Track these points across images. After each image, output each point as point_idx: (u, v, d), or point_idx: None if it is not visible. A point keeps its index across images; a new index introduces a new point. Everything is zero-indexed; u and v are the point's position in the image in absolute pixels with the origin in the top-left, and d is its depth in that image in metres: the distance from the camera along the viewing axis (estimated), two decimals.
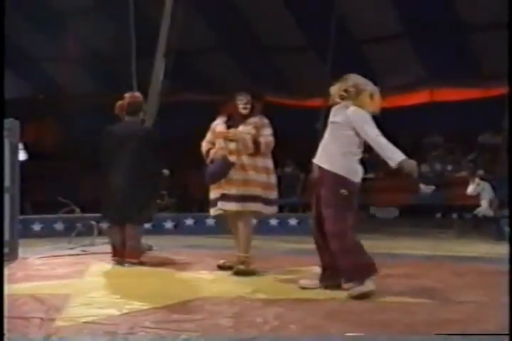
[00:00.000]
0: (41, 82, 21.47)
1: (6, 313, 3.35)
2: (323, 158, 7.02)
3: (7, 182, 9.49)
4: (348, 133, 6.90)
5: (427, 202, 18.39)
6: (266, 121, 8.50)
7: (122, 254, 9.13)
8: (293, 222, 15.08)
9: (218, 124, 8.45)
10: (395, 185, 18.33)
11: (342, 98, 7.03)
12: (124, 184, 9.16)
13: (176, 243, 12.24)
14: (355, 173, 6.94)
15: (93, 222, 12.76)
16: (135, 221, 9.31)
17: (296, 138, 18.10)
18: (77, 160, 18.69)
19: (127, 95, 10.14)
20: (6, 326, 3.22)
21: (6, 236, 9.54)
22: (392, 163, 6.68)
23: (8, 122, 9.71)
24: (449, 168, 19.53)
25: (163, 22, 15.10)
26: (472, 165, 18.16)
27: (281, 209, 16.70)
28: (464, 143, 19.47)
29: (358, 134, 6.86)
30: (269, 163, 8.42)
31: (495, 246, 11.79)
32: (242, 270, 8.06)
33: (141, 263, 9.14)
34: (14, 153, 9.86)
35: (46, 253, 10.70)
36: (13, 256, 9.68)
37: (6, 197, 9.43)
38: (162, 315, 5.90)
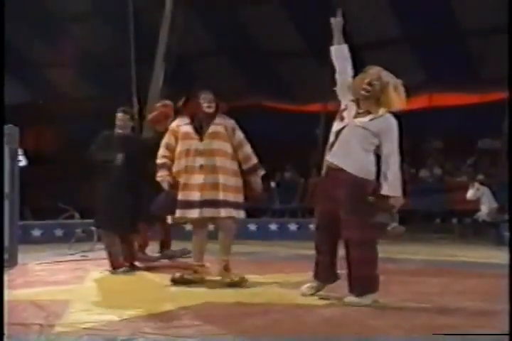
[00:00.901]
0: (41, 87, 21.49)
1: (6, 318, 3.26)
2: (348, 161, 6.56)
3: (6, 188, 9.49)
4: (376, 141, 6.67)
5: (426, 208, 18.39)
6: (233, 121, 8.07)
7: (122, 264, 9.14)
8: (293, 227, 15.06)
9: (181, 126, 7.95)
10: None
11: (367, 91, 6.60)
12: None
13: (175, 247, 12.23)
14: (373, 174, 6.71)
15: (93, 228, 12.74)
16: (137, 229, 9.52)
17: (296, 143, 18.13)
18: (77, 166, 18.66)
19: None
20: (6, 332, 3.13)
21: (6, 242, 9.54)
22: (390, 192, 6.60)
23: (8, 128, 9.72)
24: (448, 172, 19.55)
25: (163, 27, 15.14)
26: (472, 169, 18.16)
27: (281, 214, 16.79)
28: (464, 148, 19.48)
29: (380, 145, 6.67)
30: (236, 164, 8.00)
31: (495, 252, 11.80)
32: (236, 280, 7.64)
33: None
34: (14, 159, 9.87)
35: (46, 259, 10.70)
36: (13, 262, 9.68)
37: (6, 203, 9.44)
38: (162, 321, 5.89)
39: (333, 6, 17.38)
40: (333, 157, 6.63)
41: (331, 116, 6.85)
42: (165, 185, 7.82)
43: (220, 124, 7.87)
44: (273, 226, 15.08)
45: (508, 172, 11.22)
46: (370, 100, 6.67)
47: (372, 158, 6.68)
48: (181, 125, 7.93)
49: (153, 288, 7.91)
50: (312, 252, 6.82)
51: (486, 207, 15.47)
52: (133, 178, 9.14)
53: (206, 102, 7.78)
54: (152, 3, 15.40)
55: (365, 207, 6.46)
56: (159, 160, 8.00)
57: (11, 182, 9.71)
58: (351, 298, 6.40)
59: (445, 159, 20.10)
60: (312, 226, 13.12)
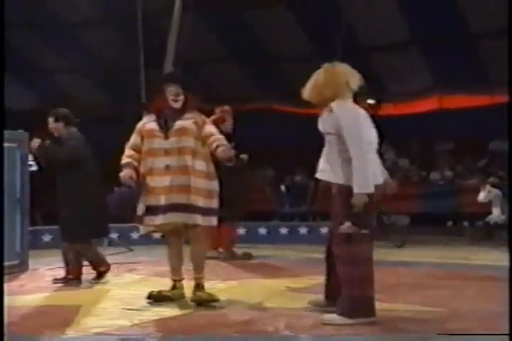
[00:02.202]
0: (51, 93, 21.54)
1: (5, 318, 3.19)
2: (324, 170, 6.02)
3: (18, 194, 9.51)
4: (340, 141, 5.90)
5: (438, 210, 18.36)
6: (204, 117, 7.14)
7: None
8: (303, 230, 15.03)
9: (146, 123, 7.04)
10: (405, 192, 18.32)
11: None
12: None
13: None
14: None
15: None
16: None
17: (306, 146, 18.08)
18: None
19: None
20: (6, 331, 3.06)
21: (17, 247, 9.56)
22: (356, 189, 5.67)
23: (18, 134, 9.75)
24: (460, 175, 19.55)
25: (171, 32, 15.16)
26: (483, 172, 18.12)
27: (291, 218, 16.79)
28: (475, 150, 19.44)
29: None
30: (211, 167, 7.00)
31: (507, 254, 11.78)
32: (205, 298, 6.80)
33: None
34: (24, 164, 9.89)
35: (56, 264, 10.70)
36: (24, 267, 9.69)
37: (17, 208, 9.46)
38: (172, 325, 5.91)
39: (343, 9, 17.54)
40: (318, 172, 6.12)
41: None
42: (128, 181, 6.85)
43: (189, 119, 6.90)
44: (283, 230, 15.05)
45: (508, 170, 11.14)
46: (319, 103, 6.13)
47: (342, 158, 5.85)
48: (147, 122, 7.06)
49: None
50: (322, 256, 6.66)
51: (498, 209, 15.45)
52: None
53: (172, 96, 6.86)
54: (161, 9, 15.42)
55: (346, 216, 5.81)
56: (122, 161, 7.04)
57: (21, 187, 9.73)
58: (330, 315, 5.84)
59: (456, 161, 20.06)
60: (323, 230, 13.16)
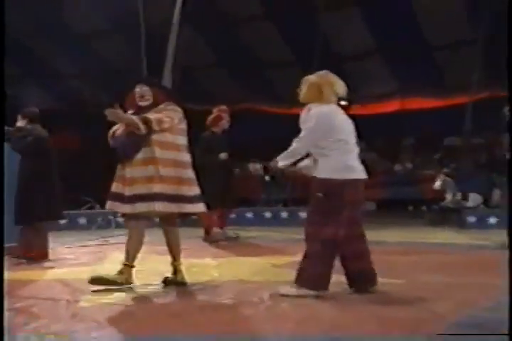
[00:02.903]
0: (65, 95, 21.50)
1: (5, 318, 3.12)
2: (303, 163, 6.11)
3: None
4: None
5: (400, 196, 18.46)
6: (171, 107, 6.35)
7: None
8: (284, 215, 15.04)
9: None
10: (373, 182, 18.40)
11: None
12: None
13: (183, 234, 12.21)
14: (335, 171, 5.75)
15: (111, 217, 12.76)
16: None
17: (287, 141, 18.11)
18: (99, 164, 18.66)
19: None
20: (6, 332, 2.94)
21: None
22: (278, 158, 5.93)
23: None
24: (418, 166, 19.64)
25: (170, 42, 15.15)
26: (438, 164, 18.20)
27: (274, 203, 16.80)
28: (431, 145, 19.52)
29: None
30: (185, 155, 6.37)
31: (458, 234, 11.82)
32: (175, 280, 6.47)
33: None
34: None
35: (72, 244, 10.72)
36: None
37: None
38: (172, 297, 5.94)
39: (317, 21, 17.54)
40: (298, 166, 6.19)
41: None
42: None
43: (150, 113, 6.23)
44: (267, 214, 15.07)
45: (508, 172, 11.01)
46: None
47: (319, 154, 5.84)
48: None
49: (165, 268, 7.87)
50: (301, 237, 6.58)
51: (451, 195, 15.52)
52: None
53: (138, 96, 6.34)
54: (161, 21, 15.38)
55: (313, 203, 5.83)
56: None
57: None
58: (286, 288, 5.86)
59: (415, 155, 20.15)
60: (301, 214, 13.18)
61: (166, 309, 5.40)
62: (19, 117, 8.71)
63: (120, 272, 6.22)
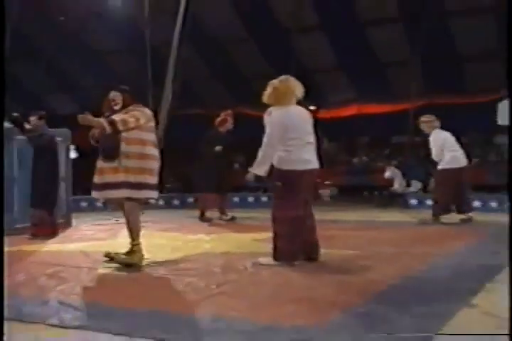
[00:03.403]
0: (86, 102, 21.41)
1: (5, 313, 3.26)
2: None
3: (63, 173, 9.49)
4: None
5: (357, 184, 18.54)
6: (139, 108, 6.16)
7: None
8: (264, 199, 15.03)
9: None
10: (336, 171, 18.53)
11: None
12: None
13: (182, 215, 12.21)
14: (288, 163, 5.75)
15: None
16: None
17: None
18: None
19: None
20: (6, 331, 3.02)
21: (64, 210, 9.59)
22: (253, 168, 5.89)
23: (63, 131, 9.79)
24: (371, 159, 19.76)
25: (171, 58, 15.11)
26: (387, 158, 18.29)
27: (256, 190, 16.80)
28: (382, 142, 19.60)
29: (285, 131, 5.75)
30: (149, 149, 6.05)
31: (402, 214, 11.89)
32: (123, 260, 5.99)
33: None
34: (67, 152, 9.91)
35: (90, 222, 10.71)
36: (68, 224, 9.72)
37: (62, 185, 9.45)
38: (172, 265, 5.94)
39: (291, 41, 17.58)
40: None
41: None
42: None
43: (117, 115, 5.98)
44: (250, 199, 15.08)
45: (508, 170, 10.94)
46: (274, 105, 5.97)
47: (282, 148, 5.76)
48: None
49: (167, 242, 7.89)
50: None
51: (397, 183, 15.59)
52: None
53: (112, 101, 6.16)
54: (163, 41, 15.33)
55: (273, 191, 5.94)
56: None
57: (66, 169, 9.74)
58: (263, 258, 5.89)
59: (369, 150, 20.21)
60: None
61: (168, 272, 5.44)
62: (34, 118, 8.55)
63: (132, 251, 6.05)
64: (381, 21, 16.60)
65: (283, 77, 5.98)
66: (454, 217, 9.65)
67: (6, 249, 7.15)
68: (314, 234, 5.96)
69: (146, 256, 6.27)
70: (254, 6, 16.94)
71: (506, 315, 3.88)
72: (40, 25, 17.50)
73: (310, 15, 17.18)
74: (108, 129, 5.82)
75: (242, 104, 18.46)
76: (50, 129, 8.75)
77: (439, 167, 9.70)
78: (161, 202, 13.58)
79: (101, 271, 5.69)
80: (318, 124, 6.33)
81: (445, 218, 9.69)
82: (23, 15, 16.27)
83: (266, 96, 5.94)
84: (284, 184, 5.70)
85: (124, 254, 6.08)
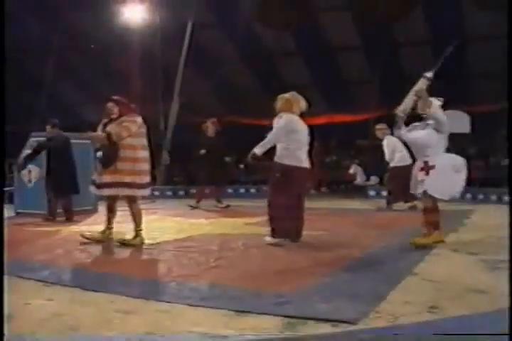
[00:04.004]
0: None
1: (5, 318, 3.01)
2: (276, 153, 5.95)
3: (91, 170, 9.41)
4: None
5: (329, 178, 18.53)
6: (130, 118, 5.92)
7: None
8: (253, 190, 14.92)
9: (102, 124, 6.09)
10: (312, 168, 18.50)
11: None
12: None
13: (186, 203, 12.21)
14: (288, 158, 5.79)
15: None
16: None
17: (255, 143, 18.05)
18: None
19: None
20: (6, 332, 2.82)
21: (92, 197, 9.42)
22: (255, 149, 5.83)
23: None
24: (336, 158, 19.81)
25: (178, 76, 15.14)
26: (352, 157, 18.32)
27: (246, 183, 16.75)
28: (348, 145, 19.62)
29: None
30: (139, 153, 5.90)
31: (363, 203, 11.90)
32: (127, 241, 5.92)
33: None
34: (94, 152, 9.78)
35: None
36: (95, 210, 9.65)
37: (89, 178, 9.34)
38: (178, 243, 5.98)
39: (275, 63, 17.62)
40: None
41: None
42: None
43: (114, 124, 5.90)
44: (242, 190, 15.02)
45: (508, 171, 10.81)
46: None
47: (285, 146, 5.80)
48: (100, 125, 6.10)
49: (174, 225, 7.89)
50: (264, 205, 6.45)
51: (360, 177, 15.65)
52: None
53: (109, 110, 5.99)
54: (172, 61, 15.33)
55: (271, 181, 5.94)
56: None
57: (94, 167, 9.66)
58: (267, 237, 5.85)
59: (338, 151, 20.23)
60: (264, 189, 13.19)
61: (177, 250, 5.47)
62: (49, 126, 8.44)
63: (136, 236, 6.00)
64: (347, 48, 16.67)
65: (292, 92, 6.09)
66: (403, 205, 9.73)
67: (47, 229, 7.27)
68: (302, 221, 5.90)
69: (157, 235, 6.32)
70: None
71: (440, 279, 4.00)
72: (77, 51, 17.50)
73: (290, 44, 17.23)
74: (105, 141, 5.82)
75: (235, 112, 18.51)
76: (65, 133, 8.62)
77: (391, 165, 9.83)
78: (169, 193, 13.56)
79: (122, 247, 5.73)
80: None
81: (396, 206, 9.76)
82: (65, 44, 16.36)
83: (279, 105, 5.96)
84: (282, 175, 5.74)
85: (100, 233, 6.11)
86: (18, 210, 9.04)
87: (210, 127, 10.71)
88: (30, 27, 15.95)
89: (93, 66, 17.94)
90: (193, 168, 11.81)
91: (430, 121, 5.59)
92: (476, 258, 4.87)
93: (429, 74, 5.66)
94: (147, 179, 6.00)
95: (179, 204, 11.38)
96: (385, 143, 9.88)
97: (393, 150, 9.72)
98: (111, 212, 6.22)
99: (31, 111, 17.19)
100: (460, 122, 14.63)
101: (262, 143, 5.83)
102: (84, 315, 3.28)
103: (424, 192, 5.52)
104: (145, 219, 6.35)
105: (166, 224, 7.84)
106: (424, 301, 3.47)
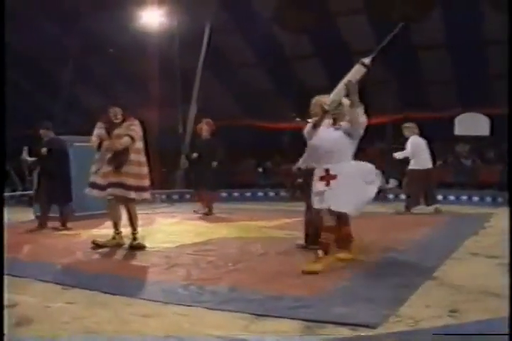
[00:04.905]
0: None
1: (5, 318, 3.05)
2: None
3: None
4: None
5: None
6: (134, 122, 6.04)
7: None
8: (272, 194, 14.71)
9: (99, 126, 6.07)
10: None
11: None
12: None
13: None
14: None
15: (157, 195, 12.74)
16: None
17: (272, 146, 18.01)
18: (151, 161, 18.64)
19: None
20: (6, 332, 2.85)
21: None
22: None
23: None
24: None
25: (196, 82, 15.19)
26: (370, 160, 18.19)
27: (265, 186, 16.71)
28: (366, 148, 19.52)
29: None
30: (142, 157, 6.07)
31: (381, 206, 11.56)
32: (137, 244, 5.95)
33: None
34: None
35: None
36: None
37: None
38: (196, 247, 5.98)
39: (291, 65, 17.63)
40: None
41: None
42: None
43: (124, 127, 5.97)
44: (260, 193, 14.94)
45: (508, 168, 10.74)
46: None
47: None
48: (99, 127, 6.06)
49: (192, 228, 7.89)
50: (285, 208, 6.39)
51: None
52: None
53: (112, 115, 5.99)
54: (190, 65, 15.40)
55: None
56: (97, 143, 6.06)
57: None
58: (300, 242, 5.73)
59: (356, 155, 20.12)
60: (284, 194, 13.18)
61: (199, 252, 5.50)
62: (44, 130, 7.90)
63: (136, 238, 6.01)
64: (364, 51, 16.55)
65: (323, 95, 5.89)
66: (423, 208, 9.65)
67: (66, 232, 7.32)
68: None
69: (175, 239, 6.34)
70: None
71: (460, 283, 3.97)
72: (98, 57, 17.65)
73: (308, 47, 17.23)
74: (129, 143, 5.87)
75: (251, 116, 18.53)
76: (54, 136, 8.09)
77: (410, 167, 9.77)
78: (187, 196, 13.62)
79: (138, 251, 5.77)
80: None
81: (415, 209, 9.69)
82: (87, 50, 16.52)
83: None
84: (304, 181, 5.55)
85: (110, 239, 6.05)
86: (38, 214, 9.12)
87: (204, 128, 9.80)
88: (48, 31, 16.12)
89: (112, 70, 18.09)
90: (190, 172, 11.18)
91: (343, 123, 4.77)
92: (496, 262, 4.82)
93: (367, 60, 4.82)
94: (148, 182, 6.06)
95: (197, 207, 11.39)
96: (410, 141, 9.76)
97: (416, 151, 9.63)
98: (115, 216, 6.19)
99: (50, 115, 17.39)
100: (479, 125, 14.59)
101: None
102: (103, 318, 3.31)
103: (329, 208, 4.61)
104: (164, 222, 6.38)
105: (184, 228, 7.86)
106: (444, 305, 3.45)
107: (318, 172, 4.68)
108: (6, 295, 3.19)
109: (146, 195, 6.06)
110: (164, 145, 14.49)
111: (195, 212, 9.80)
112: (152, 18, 14.88)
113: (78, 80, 17.75)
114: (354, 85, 4.60)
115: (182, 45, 15.56)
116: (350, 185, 4.56)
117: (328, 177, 4.60)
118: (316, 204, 4.66)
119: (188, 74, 15.64)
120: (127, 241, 6.05)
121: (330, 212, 4.58)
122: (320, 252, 4.59)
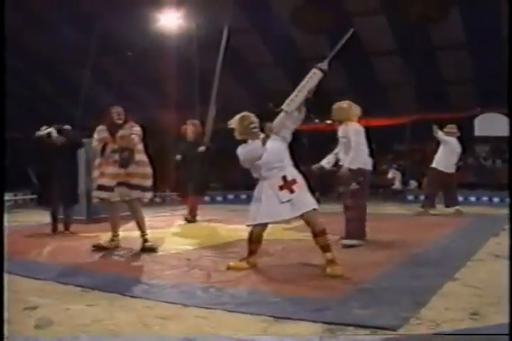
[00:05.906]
0: (145, 122, 21.47)
1: (5, 318, 3.04)
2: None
3: None
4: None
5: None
6: (135, 124, 6.12)
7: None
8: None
9: (101, 130, 6.07)
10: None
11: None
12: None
13: (223, 209, 12.26)
14: (361, 163, 6.19)
15: (175, 197, 12.78)
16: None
17: None
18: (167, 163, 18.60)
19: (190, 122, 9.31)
20: (5, 332, 2.87)
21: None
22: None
23: None
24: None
25: (214, 84, 15.20)
26: (390, 161, 18.14)
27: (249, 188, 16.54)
28: (385, 150, 19.42)
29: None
30: (145, 157, 6.09)
31: (401, 207, 11.75)
32: (149, 246, 5.96)
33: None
34: None
35: (150, 215, 10.75)
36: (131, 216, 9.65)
37: None
38: (216, 249, 6.00)
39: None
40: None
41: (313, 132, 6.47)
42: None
43: (127, 128, 6.02)
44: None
45: (508, 169, 10.70)
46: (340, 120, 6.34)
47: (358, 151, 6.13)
48: (101, 129, 6.09)
49: (211, 231, 7.94)
50: None
51: (398, 182, 15.52)
52: None
53: (116, 115, 6.03)
54: (208, 67, 15.43)
55: None
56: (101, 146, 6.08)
57: None
58: (346, 240, 6.00)
59: (376, 156, 20.04)
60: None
61: (223, 254, 5.49)
62: (55, 132, 7.53)
63: (146, 240, 6.04)
64: (382, 52, 16.48)
65: (346, 101, 6.35)
66: (443, 209, 9.59)
67: (85, 234, 7.36)
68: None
69: (195, 241, 6.34)
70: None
71: (481, 285, 3.93)
72: (116, 59, 17.78)
73: (325, 48, 17.17)
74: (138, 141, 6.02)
75: (270, 118, 18.52)
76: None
77: (433, 165, 9.75)
78: (207, 198, 13.64)
79: (159, 253, 5.77)
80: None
81: (434, 210, 9.64)
82: (105, 52, 16.63)
83: (338, 113, 6.24)
84: (359, 179, 5.97)
85: (108, 242, 6.10)
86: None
87: (190, 129, 9.18)
88: (66, 34, 16.27)
89: (130, 72, 18.19)
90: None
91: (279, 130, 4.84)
92: None
93: (324, 66, 4.82)
94: (151, 182, 6.10)
95: (216, 209, 11.41)
96: (445, 140, 9.67)
97: (447, 152, 9.61)
98: (115, 219, 6.26)
99: (72, 117, 17.54)
100: (499, 125, 14.43)
101: (353, 155, 5.97)
102: (123, 320, 3.31)
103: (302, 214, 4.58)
104: (183, 224, 6.39)
105: (204, 230, 7.87)
106: (466, 307, 3.40)
107: (273, 182, 4.60)
108: (24, 298, 3.21)
109: (149, 195, 6.11)
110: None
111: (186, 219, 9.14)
112: (170, 21, 14.96)
113: (96, 82, 17.88)
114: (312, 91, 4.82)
115: (200, 47, 15.61)
116: (303, 183, 4.65)
117: (288, 184, 4.57)
118: (288, 213, 4.59)
119: (207, 76, 15.69)
120: (138, 245, 6.03)
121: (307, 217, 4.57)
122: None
